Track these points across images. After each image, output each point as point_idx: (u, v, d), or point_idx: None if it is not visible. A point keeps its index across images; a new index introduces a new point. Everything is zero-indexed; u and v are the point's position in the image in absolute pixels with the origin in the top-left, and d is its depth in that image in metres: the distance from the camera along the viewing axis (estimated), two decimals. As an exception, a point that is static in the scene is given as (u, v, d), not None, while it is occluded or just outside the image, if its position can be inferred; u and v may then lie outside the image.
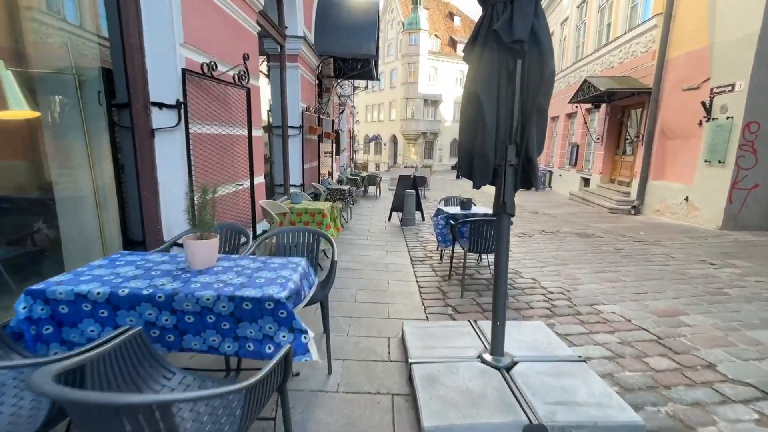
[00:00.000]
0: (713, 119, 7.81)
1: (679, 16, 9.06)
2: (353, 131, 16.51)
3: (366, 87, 15.91)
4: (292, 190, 6.81)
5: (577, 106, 12.75)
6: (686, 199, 8.47)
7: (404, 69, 37.93)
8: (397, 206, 8.35)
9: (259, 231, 4.46)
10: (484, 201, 10.23)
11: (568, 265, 5.19)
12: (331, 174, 8.47)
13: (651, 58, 9.90)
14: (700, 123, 8.15)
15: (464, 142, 2.39)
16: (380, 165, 41.93)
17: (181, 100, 2.82)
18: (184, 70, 2.82)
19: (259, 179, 4.56)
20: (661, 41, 9.36)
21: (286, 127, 6.51)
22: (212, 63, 3.13)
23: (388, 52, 40.91)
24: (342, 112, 11.26)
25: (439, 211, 5.06)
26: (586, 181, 13.86)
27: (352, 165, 16.27)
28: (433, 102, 38.98)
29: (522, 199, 13.57)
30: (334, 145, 10.05)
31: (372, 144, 43.99)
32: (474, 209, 4.94)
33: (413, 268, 5.00)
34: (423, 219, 8.57)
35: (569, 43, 15.70)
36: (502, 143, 2.25)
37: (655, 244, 6.42)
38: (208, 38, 3.21)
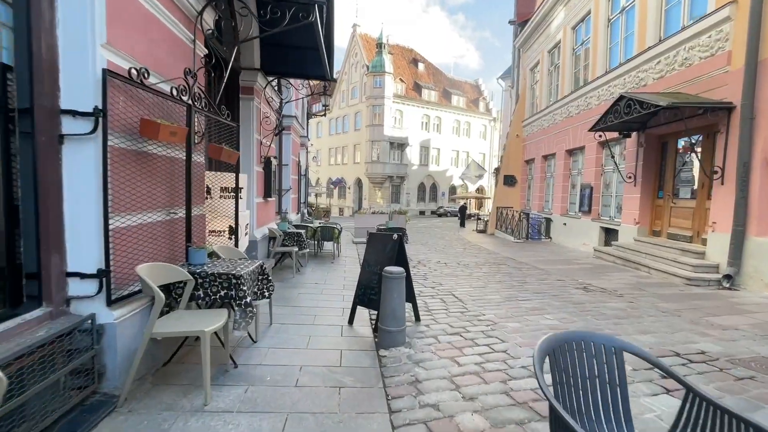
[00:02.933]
0: None
1: (775, -3, 6.00)
2: (303, 166, 12.30)
3: (324, 111, 12.08)
4: (71, 289, 2.33)
5: (601, 136, 9.42)
6: None
7: (369, 111, 35.26)
8: (366, 294, 4.04)
9: None
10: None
11: None
12: (233, 233, 4.10)
13: (724, 63, 6.72)
14: None
15: None
16: (344, 210, 37.90)
17: None
18: None
19: None
20: (749, 37, 6.19)
21: (43, 107, 2.18)
22: None
23: (352, 94, 38.44)
24: (279, 132, 7.10)
25: None
26: (609, 232, 10.32)
27: (306, 211, 11.95)
28: (399, 145, 36.24)
29: (525, 254, 9.73)
30: (261, 178, 5.74)
31: (336, 188, 40.12)
32: None
33: None
34: (418, 320, 4.26)
35: (565, 70, 12.87)
36: None
37: None
38: None
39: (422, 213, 37.78)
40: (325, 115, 13.39)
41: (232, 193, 4.11)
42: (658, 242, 8.14)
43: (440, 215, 35.47)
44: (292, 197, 9.34)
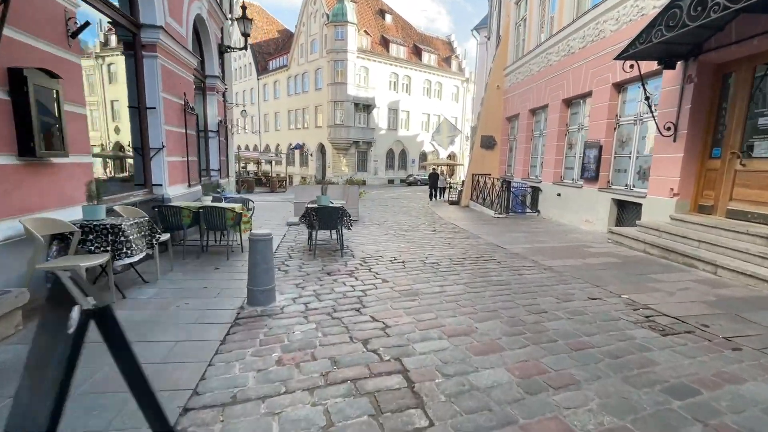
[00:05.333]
0: None
1: None
2: (212, 120, 8.48)
3: (245, 41, 8.38)
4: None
5: (632, 66, 6.31)
6: None
7: (330, 68, 30.69)
8: None
9: None
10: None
11: None
12: None
13: None
14: None
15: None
16: (307, 178, 34.00)
17: None
18: None
19: None
20: None
21: None
22: None
23: (311, 48, 33.46)
24: (82, 28, 3.57)
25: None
26: (624, 207, 7.54)
27: (217, 182, 8.42)
28: (365, 107, 32.15)
29: (514, 238, 6.82)
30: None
31: (297, 153, 35.94)
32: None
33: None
34: None
35: (564, 1, 9.49)
36: None
37: None
38: None
39: (391, 182, 34.58)
40: (246, 48, 9.53)
41: None
42: (714, 223, 5.36)
43: (410, 184, 32.42)
44: (168, 161, 5.84)
